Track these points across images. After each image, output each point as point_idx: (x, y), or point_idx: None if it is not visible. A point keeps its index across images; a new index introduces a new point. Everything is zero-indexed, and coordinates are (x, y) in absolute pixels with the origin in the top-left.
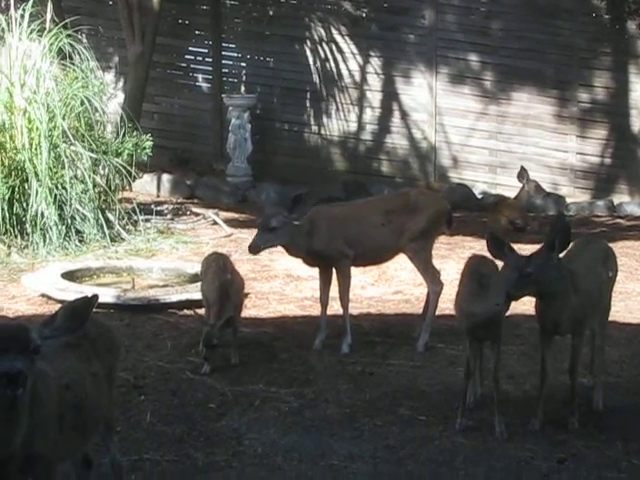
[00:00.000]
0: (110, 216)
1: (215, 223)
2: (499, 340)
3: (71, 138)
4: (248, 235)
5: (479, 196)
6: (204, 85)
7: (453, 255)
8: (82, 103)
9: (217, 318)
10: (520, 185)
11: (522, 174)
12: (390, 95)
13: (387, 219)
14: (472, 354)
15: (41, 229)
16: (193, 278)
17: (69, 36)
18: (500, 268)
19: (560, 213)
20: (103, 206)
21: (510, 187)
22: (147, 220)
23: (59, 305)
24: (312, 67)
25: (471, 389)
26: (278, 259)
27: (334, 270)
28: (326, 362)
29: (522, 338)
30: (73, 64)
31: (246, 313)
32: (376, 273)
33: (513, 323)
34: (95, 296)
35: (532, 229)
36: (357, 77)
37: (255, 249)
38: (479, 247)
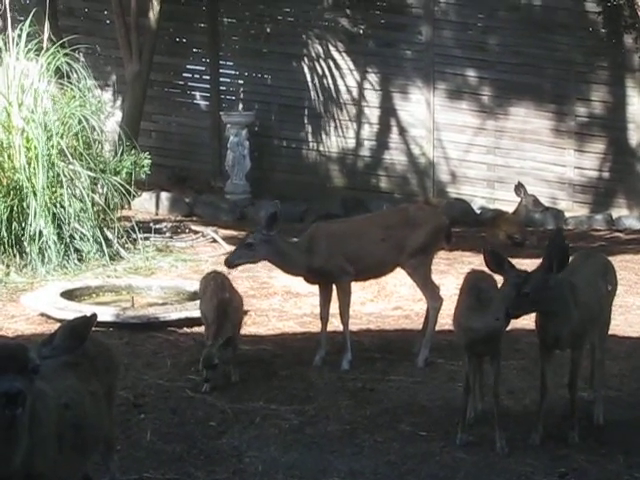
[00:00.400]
0: (109, 234)
1: (214, 241)
2: (499, 355)
3: (69, 157)
4: None
5: (477, 211)
6: (202, 103)
7: (452, 270)
8: (80, 122)
9: (215, 337)
10: (518, 200)
11: (519, 189)
12: (388, 111)
13: (387, 234)
14: (471, 369)
15: (40, 248)
16: (192, 296)
17: (66, 55)
18: (500, 284)
19: (557, 230)
20: (102, 225)
21: (508, 202)
22: (146, 238)
23: (58, 324)
24: (310, 84)
25: (471, 404)
26: (277, 276)
27: (334, 286)
28: (326, 379)
29: (522, 353)
30: (71, 83)
31: (245, 330)
32: (375, 289)
33: (513, 338)
34: (94, 315)
35: (531, 244)
36: (355, 93)
37: (229, 264)
38: (478, 262)
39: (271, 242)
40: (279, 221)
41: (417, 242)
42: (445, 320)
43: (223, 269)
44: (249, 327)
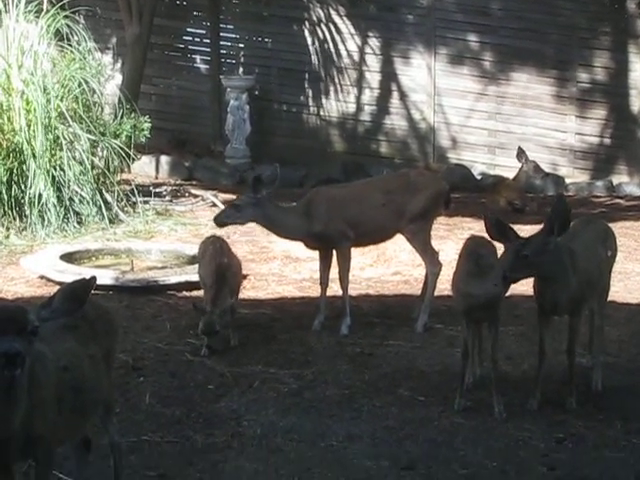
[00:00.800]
0: (108, 198)
1: (214, 205)
2: (497, 321)
3: (69, 120)
4: None
5: (478, 177)
6: (202, 66)
7: (452, 236)
8: (80, 85)
9: (214, 302)
10: (519, 166)
11: (520, 154)
12: (389, 76)
13: (387, 199)
14: (470, 335)
15: (39, 211)
16: (192, 260)
17: (66, 17)
18: (501, 251)
19: (560, 195)
20: (101, 188)
21: (509, 168)
22: (145, 202)
23: (58, 287)
24: (310, 48)
25: (469, 370)
26: (277, 241)
27: (334, 252)
28: (325, 343)
29: (520, 318)
30: (70, 45)
31: (244, 294)
32: (375, 254)
33: (512, 304)
34: (93, 278)
35: (531, 210)
36: (356, 58)
37: (217, 222)
38: (478, 228)
39: (258, 205)
40: (265, 184)
41: (417, 207)
42: (444, 286)
43: (221, 232)
44: (248, 291)
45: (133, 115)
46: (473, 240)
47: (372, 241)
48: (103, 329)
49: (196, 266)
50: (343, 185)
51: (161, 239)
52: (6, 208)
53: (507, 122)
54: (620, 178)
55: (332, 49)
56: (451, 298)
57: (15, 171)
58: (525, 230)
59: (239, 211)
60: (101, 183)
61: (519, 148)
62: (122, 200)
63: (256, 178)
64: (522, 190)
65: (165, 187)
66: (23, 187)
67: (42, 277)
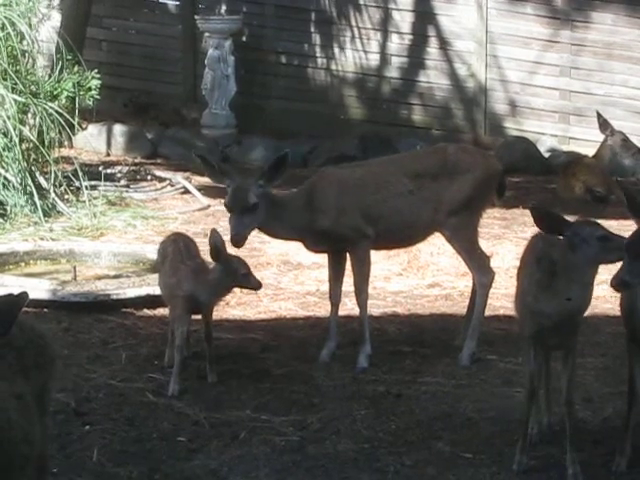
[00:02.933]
0: (43, 181)
1: (186, 191)
2: (574, 350)
3: None
4: None
5: (546, 154)
6: (170, 3)
7: (509, 234)
8: (3, 27)
9: (179, 322)
10: (601, 139)
11: (604, 125)
12: (424, 17)
13: (417, 185)
14: (537, 369)
15: None
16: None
17: None
18: None
19: None
20: (33, 168)
21: (588, 142)
22: (93, 187)
23: None
24: None
25: (534, 416)
26: (271, 241)
27: (348, 256)
28: (336, 380)
29: (603, 347)
30: None
31: (228, 314)
32: (404, 259)
33: (591, 327)
34: (24, 295)
35: (617, 199)
36: None
37: (241, 239)
38: None
39: (267, 197)
40: (283, 171)
41: (459, 196)
42: (499, 302)
43: (195, 229)
44: (233, 309)
45: (76, 69)
46: (542, 239)
47: (399, 241)
48: (35, 360)
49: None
50: (358, 164)
51: (114, 238)
52: None
53: (586, 80)
54: None
55: None
56: (510, 319)
57: None
58: (611, 226)
59: (259, 211)
60: (32, 162)
61: (600, 116)
62: (61, 185)
63: (281, 158)
64: (606, 172)
65: (120, 167)
66: None
67: None
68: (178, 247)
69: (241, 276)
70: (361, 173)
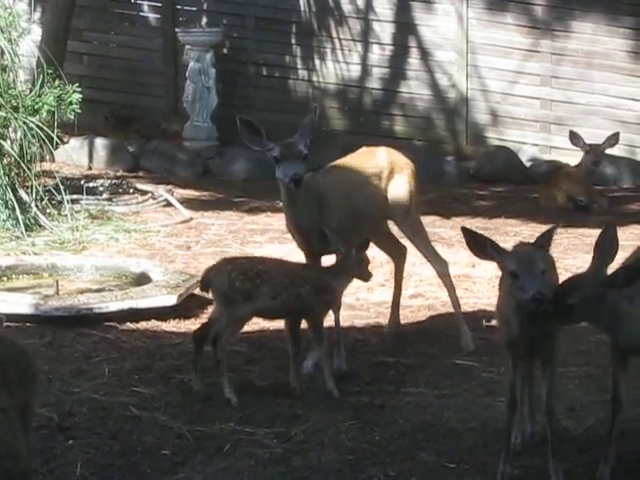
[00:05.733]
0: (24, 196)
1: (168, 204)
2: (553, 359)
3: None
4: (213, 220)
5: (527, 164)
6: (151, 16)
7: None
8: None
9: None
10: (589, 147)
11: (575, 139)
12: (405, 28)
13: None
14: (517, 378)
15: None
16: (138, 279)
17: None
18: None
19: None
20: (14, 182)
21: (569, 151)
22: (75, 201)
23: None
24: None
25: (517, 426)
26: (254, 251)
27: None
28: (320, 391)
29: (586, 356)
30: None
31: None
32: (387, 270)
33: (574, 336)
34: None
35: (600, 208)
36: (360, 3)
37: (301, 179)
38: (528, 233)
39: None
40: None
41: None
42: (482, 311)
43: (178, 242)
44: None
45: (57, 83)
46: (523, 249)
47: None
48: (17, 375)
49: (144, 288)
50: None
51: (97, 252)
52: None
53: (566, 89)
54: None
55: None
56: (493, 328)
57: None
58: (593, 235)
59: (305, 163)
60: (14, 176)
61: (571, 132)
62: (43, 199)
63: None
64: (588, 182)
65: (102, 181)
66: None
67: None
68: None
69: None
70: (347, 175)
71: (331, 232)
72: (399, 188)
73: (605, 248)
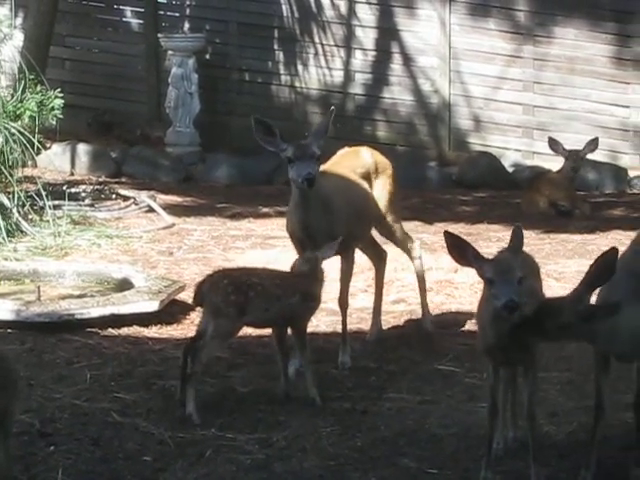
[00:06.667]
0: (6, 201)
1: (150, 210)
2: (534, 365)
3: None
4: (195, 225)
5: (510, 169)
6: (133, 21)
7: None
8: None
9: None
10: (568, 153)
11: (554, 145)
12: (387, 33)
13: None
14: (499, 384)
15: None
16: (120, 285)
17: None
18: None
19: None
20: None
21: (552, 156)
22: (57, 207)
23: None
24: None
25: (499, 432)
26: (236, 257)
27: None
28: (302, 397)
29: (568, 362)
30: None
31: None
32: (369, 275)
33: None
34: None
35: (582, 213)
36: (343, 8)
37: (314, 178)
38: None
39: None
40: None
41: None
42: (464, 317)
43: (160, 247)
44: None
45: (39, 89)
46: (503, 256)
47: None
48: None
49: (126, 294)
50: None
51: (79, 257)
52: None
53: (549, 94)
54: None
55: None
56: (475, 334)
57: None
58: (575, 241)
59: (318, 164)
60: None
61: (550, 139)
62: (25, 205)
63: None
64: (570, 187)
65: (84, 187)
66: None
67: None
68: None
69: None
70: (345, 177)
71: (334, 237)
72: (383, 188)
73: (600, 273)
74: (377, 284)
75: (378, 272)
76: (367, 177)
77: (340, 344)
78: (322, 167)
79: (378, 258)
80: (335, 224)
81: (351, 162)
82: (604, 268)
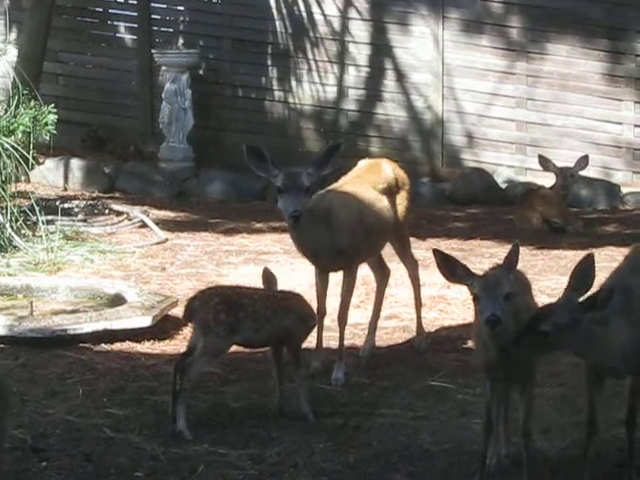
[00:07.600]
0: None
1: (144, 225)
2: (531, 382)
3: None
4: (189, 241)
5: (503, 185)
6: (127, 37)
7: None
8: None
9: None
10: (559, 170)
11: (545, 162)
12: (381, 49)
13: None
14: (494, 400)
15: None
16: (113, 300)
17: None
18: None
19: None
20: None
21: (545, 173)
22: (50, 222)
23: None
24: (274, 12)
25: (493, 448)
26: (230, 273)
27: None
28: (295, 413)
29: (561, 377)
30: None
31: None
32: (362, 291)
33: (549, 357)
34: None
35: (575, 230)
36: (336, 25)
37: (300, 214)
38: (503, 254)
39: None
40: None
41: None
42: (457, 333)
43: (154, 263)
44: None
45: (33, 104)
46: (493, 272)
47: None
48: None
49: (118, 309)
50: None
51: (71, 273)
52: None
53: (542, 111)
54: None
55: (304, 14)
56: (468, 350)
57: None
58: (567, 257)
59: (307, 195)
60: None
61: (540, 156)
62: (17, 220)
63: (333, 147)
64: (563, 204)
65: (77, 202)
66: None
67: None
68: None
69: None
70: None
71: (340, 252)
72: (401, 204)
73: (581, 278)
74: (376, 300)
75: (379, 289)
76: (388, 192)
77: (336, 360)
78: (343, 179)
79: (382, 275)
80: (339, 239)
81: (374, 177)
82: (583, 274)
